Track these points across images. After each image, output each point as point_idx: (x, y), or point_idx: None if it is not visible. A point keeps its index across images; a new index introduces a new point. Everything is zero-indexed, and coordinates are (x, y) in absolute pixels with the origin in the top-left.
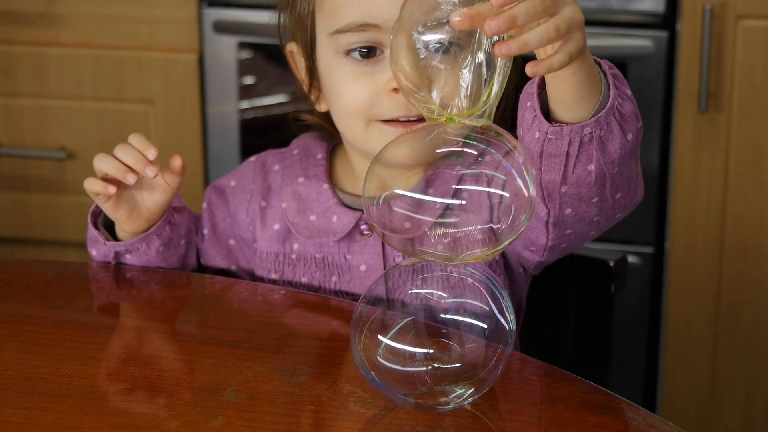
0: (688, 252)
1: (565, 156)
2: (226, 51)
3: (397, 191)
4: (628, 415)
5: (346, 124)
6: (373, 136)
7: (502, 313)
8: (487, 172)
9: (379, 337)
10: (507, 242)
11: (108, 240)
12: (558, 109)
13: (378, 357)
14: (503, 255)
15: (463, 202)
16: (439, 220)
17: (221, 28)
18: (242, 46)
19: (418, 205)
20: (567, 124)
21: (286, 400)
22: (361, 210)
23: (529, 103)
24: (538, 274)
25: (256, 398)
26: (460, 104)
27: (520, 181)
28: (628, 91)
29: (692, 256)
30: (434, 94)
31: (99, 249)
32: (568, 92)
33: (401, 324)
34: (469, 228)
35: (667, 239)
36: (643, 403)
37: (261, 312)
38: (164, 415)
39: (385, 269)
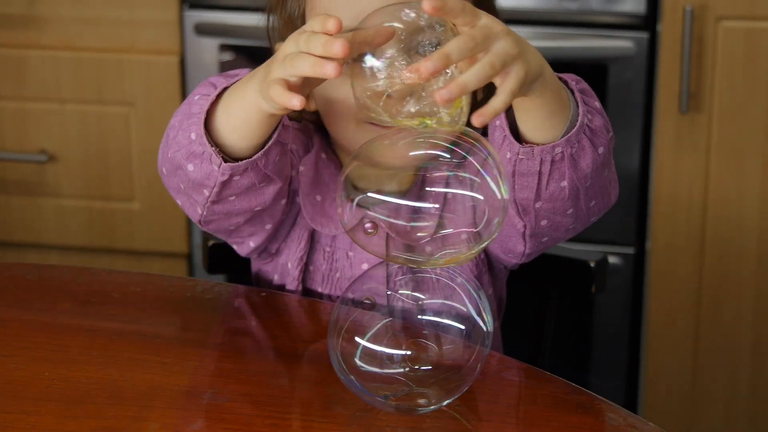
0: (669, 252)
1: (537, 175)
2: (207, 53)
3: (370, 195)
4: (608, 415)
5: (336, 125)
6: (364, 137)
7: (479, 314)
8: (460, 175)
9: (357, 339)
10: (481, 246)
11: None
12: (526, 130)
13: (356, 360)
14: (486, 254)
15: (437, 206)
16: (413, 224)
17: (203, 30)
18: (224, 48)
19: (391, 209)
20: (537, 144)
21: (267, 403)
22: (367, 207)
23: (497, 122)
24: (516, 270)
25: (237, 400)
26: (431, 113)
27: (492, 185)
28: (597, 104)
29: (673, 257)
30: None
31: (204, 169)
32: (532, 114)
33: (378, 326)
34: (443, 232)
35: (648, 239)
36: (625, 403)
37: (241, 314)
38: (145, 418)
39: (387, 270)
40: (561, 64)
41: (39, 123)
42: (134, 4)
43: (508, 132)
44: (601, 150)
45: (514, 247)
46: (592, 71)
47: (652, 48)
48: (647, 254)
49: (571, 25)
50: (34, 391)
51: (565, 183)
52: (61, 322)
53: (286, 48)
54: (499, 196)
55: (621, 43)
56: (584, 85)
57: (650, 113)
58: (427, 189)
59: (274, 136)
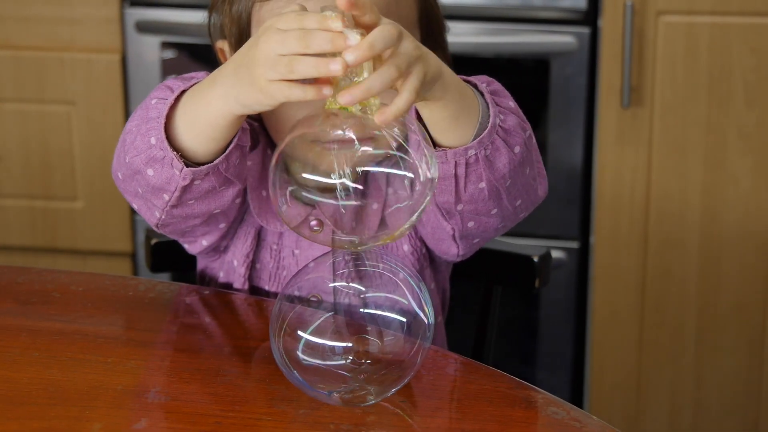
0: (613, 246)
1: (454, 178)
2: (149, 51)
3: (305, 176)
4: (552, 409)
5: (279, 135)
6: None
7: (420, 306)
8: (391, 153)
9: (299, 333)
10: (410, 223)
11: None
12: (436, 135)
13: (298, 354)
14: (427, 248)
15: (360, 187)
16: (343, 203)
17: (144, 27)
18: (165, 45)
19: (324, 191)
20: (450, 147)
21: (210, 401)
22: (312, 205)
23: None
24: (460, 265)
25: (180, 399)
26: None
27: (420, 162)
28: (511, 104)
29: (617, 251)
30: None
31: (164, 174)
32: (435, 118)
33: (320, 320)
34: (372, 210)
35: (592, 234)
36: (571, 397)
37: (184, 312)
38: (87, 418)
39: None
40: (503, 60)
41: None
42: (74, 2)
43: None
44: (517, 149)
45: (447, 250)
46: (535, 67)
47: (593, 43)
48: (591, 248)
49: (513, 20)
50: None
51: (483, 184)
52: (2, 323)
53: (270, 49)
54: (429, 174)
55: (563, 38)
56: (496, 85)
57: (592, 108)
58: (360, 170)
59: (235, 139)
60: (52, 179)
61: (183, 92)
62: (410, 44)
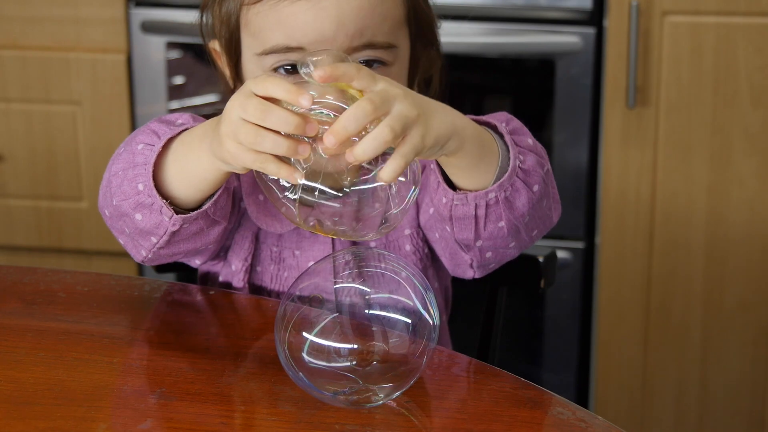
0: (618, 247)
1: (473, 218)
2: (154, 51)
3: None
4: (558, 409)
5: None
6: None
7: (425, 307)
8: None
9: (304, 334)
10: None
11: (176, 213)
12: (456, 180)
13: (303, 355)
14: (430, 248)
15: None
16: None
17: (149, 28)
18: (171, 45)
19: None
20: (471, 190)
21: (216, 401)
22: (311, 206)
23: (432, 166)
24: None
25: (186, 399)
26: None
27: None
28: (530, 141)
29: (622, 251)
30: None
31: (153, 219)
32: (455, 169)
33: (326, 321)
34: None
35: (598, 234)
36: (576, 397)
37: (190, 313)
38: (93, 418)
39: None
40: (508, 60)
41: None
42: (79, 3)
43: (441, 179)
44: (536, 188)
45: (464, 273)
46: (540, 67)
47: (599, 43)
48: (597, 248)
49: (518, 20)
50: None
51: (502, 223)
52: (8, 323)
53: (234, 110)
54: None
55: (568, 38)
56: (515, 123)
57: (598, 108)
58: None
59: (223, 184)
60: (57, 179)
61: (170, 139)
62: (405, 106)
